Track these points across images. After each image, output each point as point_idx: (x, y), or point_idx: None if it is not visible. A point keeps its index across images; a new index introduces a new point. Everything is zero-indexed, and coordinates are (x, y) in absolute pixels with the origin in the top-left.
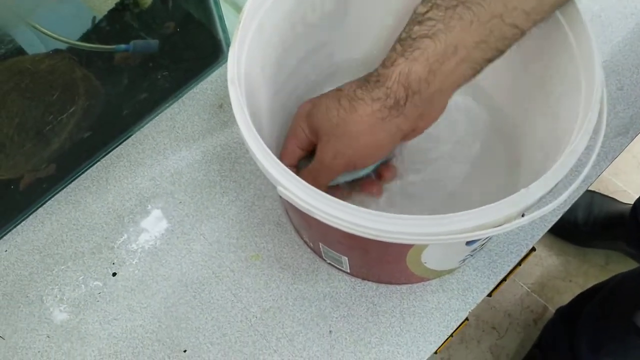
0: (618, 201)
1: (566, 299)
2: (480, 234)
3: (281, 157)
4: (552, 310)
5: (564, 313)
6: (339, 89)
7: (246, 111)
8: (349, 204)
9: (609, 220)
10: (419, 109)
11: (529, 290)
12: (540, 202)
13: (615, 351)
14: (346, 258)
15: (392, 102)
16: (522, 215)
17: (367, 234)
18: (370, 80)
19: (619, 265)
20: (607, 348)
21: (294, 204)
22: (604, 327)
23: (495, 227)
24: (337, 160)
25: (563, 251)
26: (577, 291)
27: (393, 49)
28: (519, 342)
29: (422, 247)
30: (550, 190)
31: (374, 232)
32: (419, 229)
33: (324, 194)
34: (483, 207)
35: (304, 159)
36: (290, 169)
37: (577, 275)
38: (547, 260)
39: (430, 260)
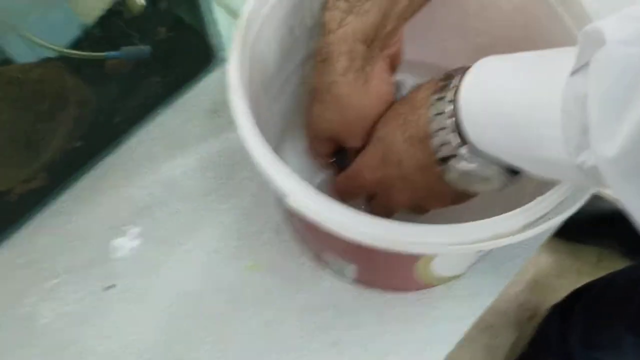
0: (609, 199)
1: (560, 296)
2: (499, 242)
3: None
4: (545, 307)
5: (557, 310)
6: (311, 91)
7: (251, 121)
8: (360, 212)
9: (601, 218)
10: (383, 46)
11: (523, 288)
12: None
13: (608, 347)
14: (352, 267)
15: (360, 62)
16: None
17: (382, 245)
18: (325, 59)
19: (611, 262)
20: (600, 344)
21: (305, 215)
22: (596, 324)
23: (512, 235)
24: (364, 138)
25: (555, 248)
26: (571, 288)
27: (334, 7)
28: (513, 340)
29: (433, 255)
30: (568, 197)
31: (387, 243)
32: (438, 239)
33: (336, 203)
34: (500, 215)
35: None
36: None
37: (569, 273)
38: (540, 258)
39: (440, 267)
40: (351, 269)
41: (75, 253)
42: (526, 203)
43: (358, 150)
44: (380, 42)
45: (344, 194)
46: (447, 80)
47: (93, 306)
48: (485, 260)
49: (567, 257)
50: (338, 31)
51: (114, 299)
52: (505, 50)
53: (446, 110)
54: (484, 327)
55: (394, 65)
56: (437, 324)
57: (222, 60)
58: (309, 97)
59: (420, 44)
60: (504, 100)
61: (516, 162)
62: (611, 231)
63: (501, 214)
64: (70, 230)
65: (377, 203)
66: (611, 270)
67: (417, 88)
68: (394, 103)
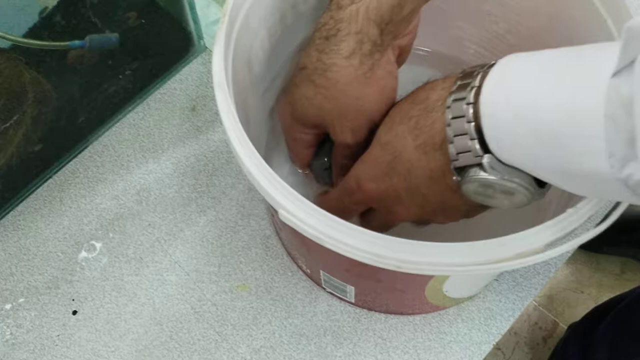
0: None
1: (579, 313)
2: (524, 261)
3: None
4: (563, 326)
5: (576, 330)
6: (302, 68)
7: (238, 122)
8: (365, 230)
9: (625, 225)
10: (396, 33)
11: (536, 304)
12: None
13: None
14: (352, 287)
15: (370, 47)
16: None
17: (389, 265)
18: (329, 36)
19: (635, 274)
20: None
21: (299, 230)
22: (623, 345)
23: (537, 254)
24: (358, 134)
25: (573, 259)
26: (591, 304)
27: None
28: None
29: (447, 276)
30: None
31: (397, 263)
32: (456, 259)
33: (335, 218)
34: (525, 231)
35: (316, 158)
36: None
37: (589, 286)
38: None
39: (453, 288)
40: (349, 291)
41: (34, 273)
42: (545, 211)
43: (347, 147)
44: (394, 27)
45: (338, 212)
46: (467, 79)
47: (56, 334)
48: (503, 278)
49: (586, 269)
50: (350, 7)
51: (80, 325)
52: (524, 40)
53: (466, 114)
54: (494, 349)
55: (401, 59)
56: (449, 351)
57: (201, 50)
58: (294, 75)
59: (430, 31)
60: (535, 104)
61: (545, 175)
62: (635, 239)
63: (514, 224)
64: (29, 247)
65: (374, 218)
66: (636, 283)
67: (430, 86)
68: (396, 102)
